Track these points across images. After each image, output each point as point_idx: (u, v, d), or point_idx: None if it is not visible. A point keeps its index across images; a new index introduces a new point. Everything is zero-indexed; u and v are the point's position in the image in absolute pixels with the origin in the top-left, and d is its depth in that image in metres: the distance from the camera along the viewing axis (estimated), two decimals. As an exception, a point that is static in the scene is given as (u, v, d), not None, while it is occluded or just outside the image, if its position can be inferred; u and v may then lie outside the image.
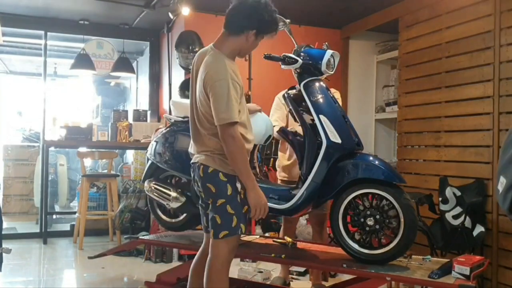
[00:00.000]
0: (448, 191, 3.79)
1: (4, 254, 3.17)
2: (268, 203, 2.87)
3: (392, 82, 5.62)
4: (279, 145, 3.78)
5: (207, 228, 2.51)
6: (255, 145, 3.15)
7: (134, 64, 7.01)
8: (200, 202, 2.56)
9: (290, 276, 4.17)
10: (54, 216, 6.59)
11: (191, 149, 2.57)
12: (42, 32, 5.89)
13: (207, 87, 2.34)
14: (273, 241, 3.41)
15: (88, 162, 7.27)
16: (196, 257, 2.71)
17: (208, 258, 2.46)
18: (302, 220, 4.95)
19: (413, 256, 2.87)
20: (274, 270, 4.21)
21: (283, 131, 3.08)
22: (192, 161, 2.54)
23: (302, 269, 4.17)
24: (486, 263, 2.73)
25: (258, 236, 3.70)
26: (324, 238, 3.77)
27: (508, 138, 1.64)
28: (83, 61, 6.02)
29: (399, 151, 4.77)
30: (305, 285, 3.97)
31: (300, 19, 5.40)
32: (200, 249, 2.71)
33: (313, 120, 2.81)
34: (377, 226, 2.64)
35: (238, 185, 2.41)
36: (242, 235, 2.44)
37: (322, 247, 3.28)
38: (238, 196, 2.41)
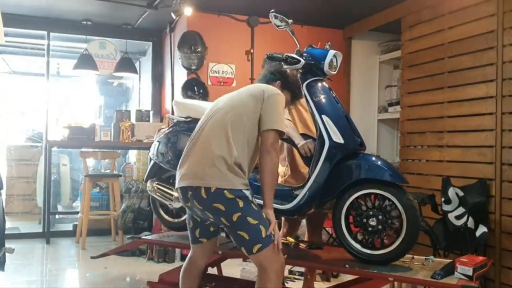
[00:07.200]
0: (451, 192, 3.78)
1: (7, 254, 3.18)
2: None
3: (395, 82, 5.61)
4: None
5: (198, 239, 2.55)
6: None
7: (136, 64, 7.01)
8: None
9: (292, 276, 4.17)
10: (57, 216, 6.61)
11: None
12: (45, 33, 5.90)
13: None
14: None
15: (90, 162, 7.26)
16: (183, 266, 2.64)
17: (258, 272, 2.37)
18: (304, 221, 4.95)
19: (415, 257, 2.87)
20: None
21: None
22: None
23: (303, 269, 4.16)
24: (489, 263, 2.72)
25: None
26: (319, 237, 3.62)
27: None
28: (86, 61, 6.02)
29: (401, 151, 4.76)
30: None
31: (303, 19, 5.40)
32: (188, 258, 2.65)
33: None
34: (380, 227, 2.64)
35: (249, 195, 2.35)
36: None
37: (324, 247, 3.27)
38: (252, 204, 2.35)
